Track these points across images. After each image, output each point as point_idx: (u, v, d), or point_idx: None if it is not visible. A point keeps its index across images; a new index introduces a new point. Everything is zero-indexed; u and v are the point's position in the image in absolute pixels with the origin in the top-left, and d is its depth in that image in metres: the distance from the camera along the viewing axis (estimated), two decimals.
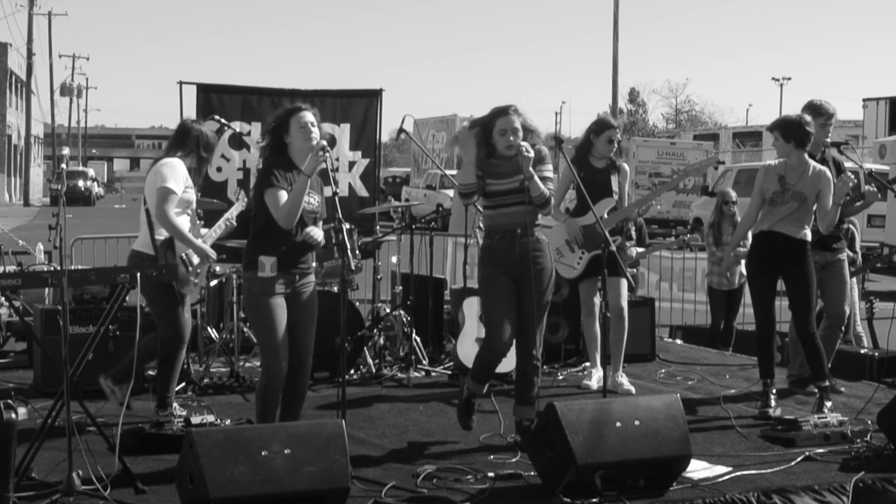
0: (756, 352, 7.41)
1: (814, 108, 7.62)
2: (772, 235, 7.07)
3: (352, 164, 9.77)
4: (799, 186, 7.02)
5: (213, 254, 6.68)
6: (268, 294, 5.71)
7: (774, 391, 7.20)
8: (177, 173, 6.53)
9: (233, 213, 6.99)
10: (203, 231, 6.85)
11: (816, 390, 7.13)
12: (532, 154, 6.08)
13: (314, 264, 5.99)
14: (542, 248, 6.31)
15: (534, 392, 6.36)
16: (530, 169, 6.11)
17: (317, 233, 5.81)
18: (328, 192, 5.85)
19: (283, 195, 5.66)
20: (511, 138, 6.15)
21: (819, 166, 7.11)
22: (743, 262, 10.14)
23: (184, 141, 6.72)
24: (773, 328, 7.24)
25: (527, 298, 6.22)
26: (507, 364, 7.79)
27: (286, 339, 5.75)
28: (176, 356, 6.67)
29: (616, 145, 7.90)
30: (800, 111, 7.48)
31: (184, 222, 6.57)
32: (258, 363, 8.28)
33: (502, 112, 6.22)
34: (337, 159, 9.48)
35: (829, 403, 6.98)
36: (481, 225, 6.83)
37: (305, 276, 5.87)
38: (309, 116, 5.81)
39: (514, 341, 6.31)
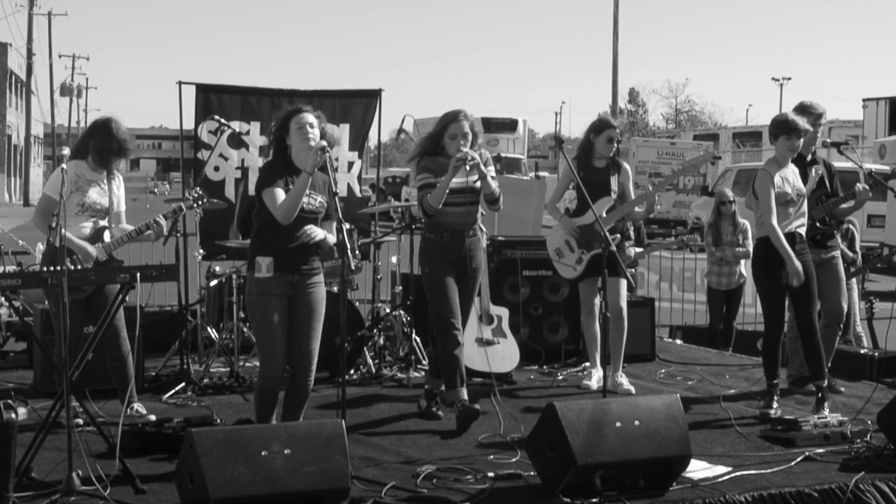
0: (763, 353, 7.37)
1: (802, 108, 7.67)
2: (791, 236, 7.01)
3: (350, 165, 9.76)
4: (798, 182, 7.08)
5: (93, 253, 6.53)
6: (264, 295, 5.72)
7: (778, 392, 7.20)
8: (52, 179, 6.46)
9: (165, 214, 6.84)
10: (126, 227, 6.78)
11: (815, 390, 7.13)
12: (478, 160, 6.55)
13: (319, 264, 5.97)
14: (480, 244, 6.94)
15: (461, 373, 6.77)
16: (483, 168, 6.60)
17: (314, 231, 5.80)
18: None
19: (280, 193, 5.68)
20: (461, 142, 6.63)
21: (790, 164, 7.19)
22: (743, 262, 10.21)
23: (80, 146, 6.70)
24: (782, 330, 7.22)
25: (464, 289, 6.85)
26: (507, 364, 7.83)
27: (282, 341, 5.75)
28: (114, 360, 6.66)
29: (616, 145, 7.90)
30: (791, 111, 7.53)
31: (83, 224, 6.57)
32: (258, 363, 8.31)
33: (453, 118, 6.71)
34: (336, 160, 9.48)
35: (827, 403, 6.99)
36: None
37: (311, 277, 5.85)
38: (308, 118, 5.81)
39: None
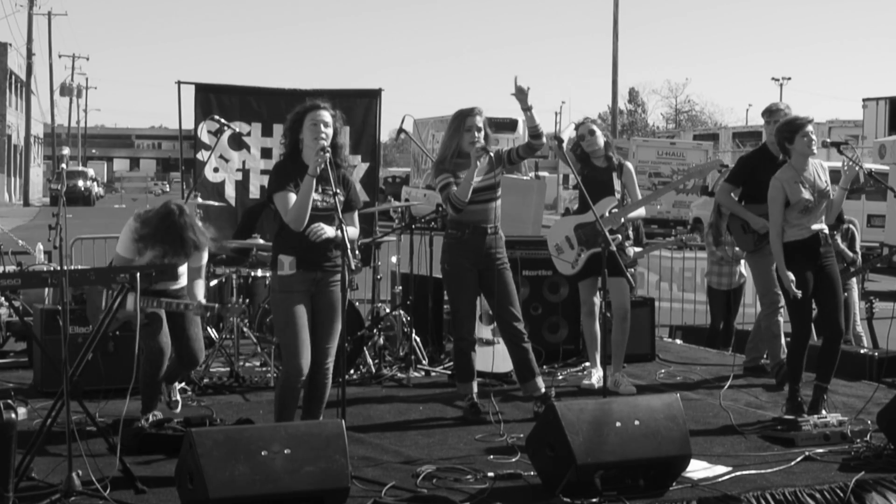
0: (789, 358, 7.13)
1: (768, 111, 8.06)
2: (814, 238, 6.88)
3: (353, 169, 9.75)
4: (819, 185, 6.91)
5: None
6: (287, 292, 5.75)
7: (801, 397, 7.01)
8: (122, 241, 6.54)
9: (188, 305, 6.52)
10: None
11: (816, 390, 7.09)
12: (483, 143, 6.83)
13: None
14: (502, 243, 7.11)
15: (532, 363, 7.03)
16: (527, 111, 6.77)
17: (322, 229, 5.72)
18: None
19: (292, 197, 5.69)
20: (476, 134, 6.84)
21: (815, 160, 7.04)
22: (743, 262, 10.20)
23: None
24: (808, 335, 7.03)
25: (495, 286, 6.98)
26: (507, 364, 7.82)
27: (306, 339, 5.76)
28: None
29: (594, 135, 7.80)
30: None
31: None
32: (258, 363, 8.33)
33: (468, 112, 6.96)
34: None
35: (824, 405, 6.96)
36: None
37: (334, 274, 5.82)
38: (324, 116, 5.81)
39: (497, 326, 7.16)
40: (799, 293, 6.72)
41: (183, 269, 6.61)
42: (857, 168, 6.98)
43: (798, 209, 6.84)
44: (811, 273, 6.88)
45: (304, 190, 5.65)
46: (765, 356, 8.50)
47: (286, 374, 5.80)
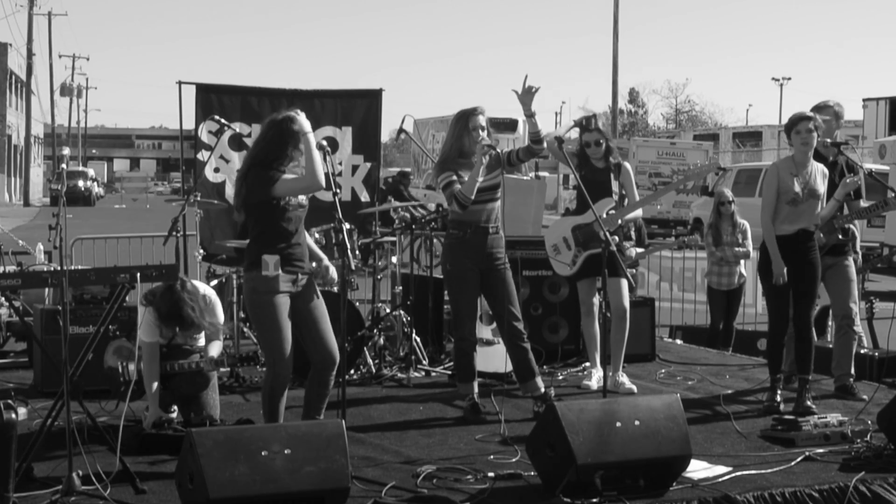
0: (767, 349, 7.41)
1: (817, 108, 7.81)
2: (796, 235, 7.11)
3: (355, 168, 9.75)
4: (812, 183, 7.11)
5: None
6: (272, 292, 5.72)
7: (781, 387, 7.28)
8: (144, 325, 6.38)
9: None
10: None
11: (798, 383, 7.19)
12: (489, 141, 6.88)
13: (312, 265, 6.01)
14: (503, 243, 7.11)
15: (532, 363, 7.05)
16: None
17: (334, 273, 6.07)
18: (328, 195, 5.84)
19: (289, 174, 5.70)
20: (481, 132, 6.87)
21: (815, 163, 7.23)
22: (743, 262, 10.21)
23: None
24: (786, 326, 7.24)
25: (496, 286, 7.02)
26: (507, 364, 7.83)
27: (291, 340, 5.76)
28: None
29: (600, 145, 7.81)
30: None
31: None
32: (265, 363, 8.30)
33: (471, 112, 6.97)
34: (340, 163, 9.49)
35: (809, 395, 7.12)
36: None
37: (306, 277, 5.90)
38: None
39: (497, 326, 7.20)
40: (779, 281, 7.01)
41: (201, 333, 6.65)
42: (856, 183, 7.16)
43: (785, 200, 7.08)
44: (791, 268, 7.08)
45: (308, 145, 5.64)
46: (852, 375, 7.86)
47: (275, 376, 5.79)
